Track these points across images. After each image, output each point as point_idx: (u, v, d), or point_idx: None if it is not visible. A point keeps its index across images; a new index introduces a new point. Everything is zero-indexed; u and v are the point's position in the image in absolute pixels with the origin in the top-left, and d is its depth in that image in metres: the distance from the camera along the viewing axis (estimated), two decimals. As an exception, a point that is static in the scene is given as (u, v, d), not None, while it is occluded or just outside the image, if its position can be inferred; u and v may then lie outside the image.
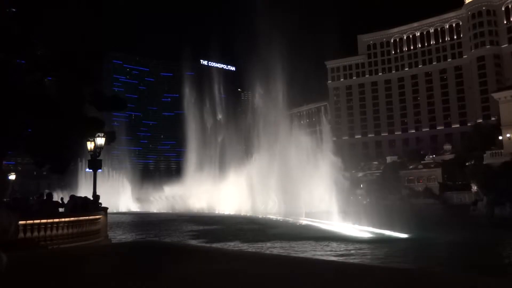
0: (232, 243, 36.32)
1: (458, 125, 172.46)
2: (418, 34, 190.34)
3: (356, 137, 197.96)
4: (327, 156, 69.70)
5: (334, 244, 33.88)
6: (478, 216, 62.76)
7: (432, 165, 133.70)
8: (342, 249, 31.58)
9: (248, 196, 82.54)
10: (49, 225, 19.29)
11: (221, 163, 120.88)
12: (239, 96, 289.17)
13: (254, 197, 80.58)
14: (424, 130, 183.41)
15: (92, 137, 25.93)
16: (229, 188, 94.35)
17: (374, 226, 44.53)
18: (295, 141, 73.17)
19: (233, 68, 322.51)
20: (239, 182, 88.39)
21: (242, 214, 77.14)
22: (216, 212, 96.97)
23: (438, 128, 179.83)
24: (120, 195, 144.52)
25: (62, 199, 31.34)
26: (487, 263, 26.37)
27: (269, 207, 70.43)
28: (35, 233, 18.41)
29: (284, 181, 69.87)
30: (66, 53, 27.78)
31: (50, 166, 32.45)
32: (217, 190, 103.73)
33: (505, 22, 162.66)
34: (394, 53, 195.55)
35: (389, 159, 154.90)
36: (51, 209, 21.59)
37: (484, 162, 68.31)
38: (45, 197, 22.66)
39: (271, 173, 75.29)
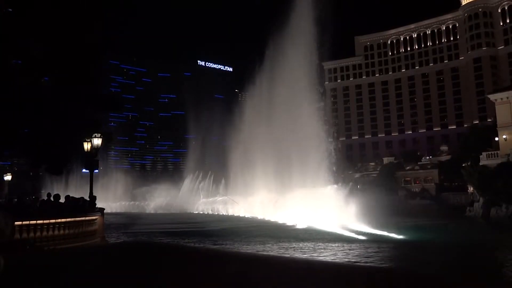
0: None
1: (454, 126, 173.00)
2: (415, 35, 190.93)
3: (353, 138, 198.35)
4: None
5: (330, 245, 33.95)
6: (474, 217, 63.01)
7: (429, 166, 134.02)
8: (337, 249, 31.63)
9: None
10: (45, 226, 19.24)
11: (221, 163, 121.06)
12: (237, 96, 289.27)
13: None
14: (420, 131, 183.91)
15: (89, 137, 25.83)
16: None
17: (370, 227, 44.68)
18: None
19: (230, 69, 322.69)
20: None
21: (247, 216, 77.32)
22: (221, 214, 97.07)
23: (435, 129, 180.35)
24: (117, 196, 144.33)
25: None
26: (478, 264, 26.50)
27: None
28: (31, 234, 18.36)
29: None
30: (63, 54, 27.73)
31: (46, 166, 32.36)
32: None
33: (501, 24, 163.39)
34: (391, 55, 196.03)
35: (385, 160, 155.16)
36: (55, 209, 21.50)
37: (481, 163, 68.54)
38: (52, 198, 22.60)
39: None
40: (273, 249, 32.43)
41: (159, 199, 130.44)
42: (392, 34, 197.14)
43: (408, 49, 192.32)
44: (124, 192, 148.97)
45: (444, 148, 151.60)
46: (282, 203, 66.87)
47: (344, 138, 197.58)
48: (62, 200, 24.21)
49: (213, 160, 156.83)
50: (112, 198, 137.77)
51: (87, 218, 22.97)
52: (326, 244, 34.77)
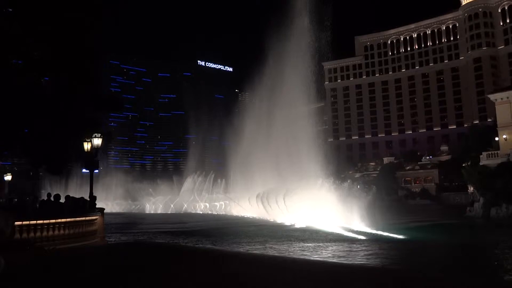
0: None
1: (454, 126, 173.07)
2: (415, 35, 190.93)
3: (353, 138, 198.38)
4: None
5: (330, 245, 33.94)
6: (475, 217, 62.98)
7: (429, 166, 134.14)
8: (337, 249, 31.61)
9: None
10: (46, 226, 19.23)
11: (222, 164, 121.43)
12: (236, 96, 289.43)
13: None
14: (421, 131, 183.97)
15: (89, 137, 25.81)
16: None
17: (370, 227, 44.66)
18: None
19: (230, 69, 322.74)
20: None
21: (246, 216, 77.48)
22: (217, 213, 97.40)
23: (435, 129, 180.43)
24: (117, 196, 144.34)
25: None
26: (478, 264, 26.49)
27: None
28: (31, 234, 18.35)
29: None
30: (63, 53, 27.70)
31: (47, 166, 32.32)
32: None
33: (501, 23, 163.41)
34: (391, 54, 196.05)
35: (386, 160, 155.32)
36: (55, 209, 21.49)
37: (481, 163, 68.45)
38: (52, 198, 22.61)
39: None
40: (273, 249, 32.43)
41: (159, 199, 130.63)
42: (392, 34, 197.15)
43: (408, 49, 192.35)
44: (124, 192, 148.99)
45: (444, 148, 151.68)
46: (282, 202, 66.90)
47: (344, 138, 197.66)
48: (62, 200, 24.21)
49: (213, 160, 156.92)
50: (112, 198, 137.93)
51: (87, 218, 22.96)
52: (326, 244, 34.75)
